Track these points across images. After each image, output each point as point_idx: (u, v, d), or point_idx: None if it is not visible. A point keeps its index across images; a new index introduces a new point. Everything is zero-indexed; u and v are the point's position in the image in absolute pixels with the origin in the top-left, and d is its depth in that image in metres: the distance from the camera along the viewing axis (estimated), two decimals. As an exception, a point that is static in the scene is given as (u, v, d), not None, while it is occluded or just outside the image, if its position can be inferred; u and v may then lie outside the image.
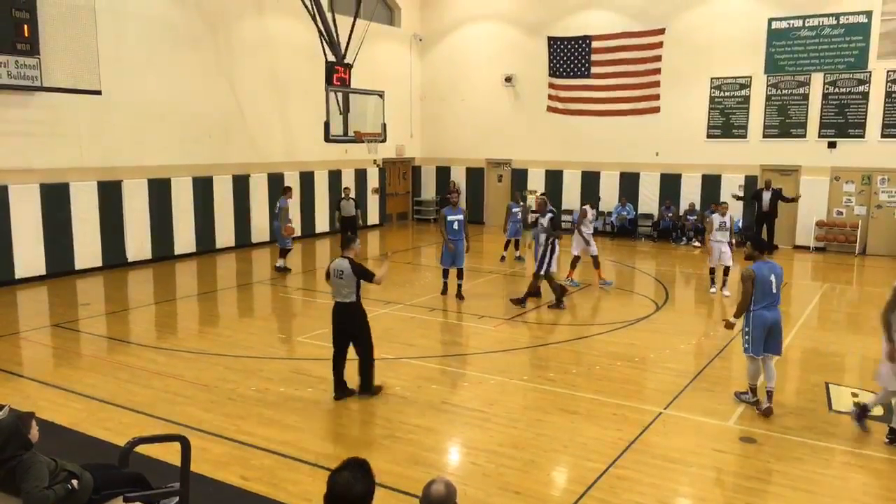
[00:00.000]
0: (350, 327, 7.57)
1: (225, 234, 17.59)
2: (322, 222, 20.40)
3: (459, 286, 12.52)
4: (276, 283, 14.07)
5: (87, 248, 14.69)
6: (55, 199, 14.07)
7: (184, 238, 16.61)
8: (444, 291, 12.72)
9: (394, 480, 5.67)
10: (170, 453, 5.57)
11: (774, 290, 7.22)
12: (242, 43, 17.73)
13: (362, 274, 7.45)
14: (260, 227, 18.40)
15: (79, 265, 14.57)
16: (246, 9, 17.82)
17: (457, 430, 7.04)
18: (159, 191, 15.96)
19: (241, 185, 17.88)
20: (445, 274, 12.75)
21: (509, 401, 7.75)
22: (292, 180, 19.28)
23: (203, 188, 16.94)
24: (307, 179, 19.81)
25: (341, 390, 7.63)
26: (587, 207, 14.15)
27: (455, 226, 12.34)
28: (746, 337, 7.32)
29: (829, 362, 9.40)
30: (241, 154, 17.93)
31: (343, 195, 17.39)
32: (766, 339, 7.27)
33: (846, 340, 10.45)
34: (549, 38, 21.16)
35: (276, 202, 15.50)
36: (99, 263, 14.92)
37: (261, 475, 5.92)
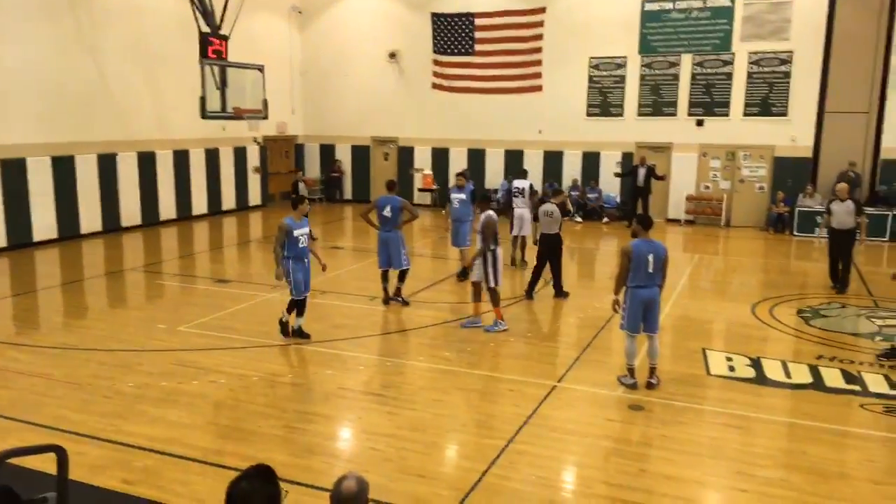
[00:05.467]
0: (553, 250, 10.88)
1: (90, 217, 16.30)
2: (200, 204, 19.37)
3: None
4: (150, 270, 13.22)
5: (-72, 237, 13.19)
6: None
7: (43, 223, 15.20)
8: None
9: (293, 473, 5.43)
10: (41, 460, 5.05)
11: (651, 270, 7.21)
12: (104, 11, 16.34)
13: (565, 212, 11.24)
14: (130, 209, 17.24)
15: (-81, 256, 13.07)
16: (107, -27, 16.45)
17: (355, 416, 6.87)
18: (13, 172, 14.50)
19: (107, 165, 16.61)
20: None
21: (406, 382, 7.66)
22: (165, 159, 18.17)
23: (64, 168, 15.59)
24: (181, 158, 18.70)
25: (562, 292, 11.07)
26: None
27: (456, 203, 11.89)
28: (623, 313, 7.42)
29: (703, 329, 9.96)
30: (107, 131, 16.62)
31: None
32: (644, 317, 7.33)
33: (716, 307, 11.12)
34: (433, 14, 20.99)
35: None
36: (-56, 253, 13.45)
37: (145, 477, 5.51)
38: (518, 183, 13.26)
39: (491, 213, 9.30)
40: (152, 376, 7.64)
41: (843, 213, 11.34)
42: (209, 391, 7.28)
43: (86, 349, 8.56)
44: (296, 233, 8.68)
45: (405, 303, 10.67)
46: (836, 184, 13.76)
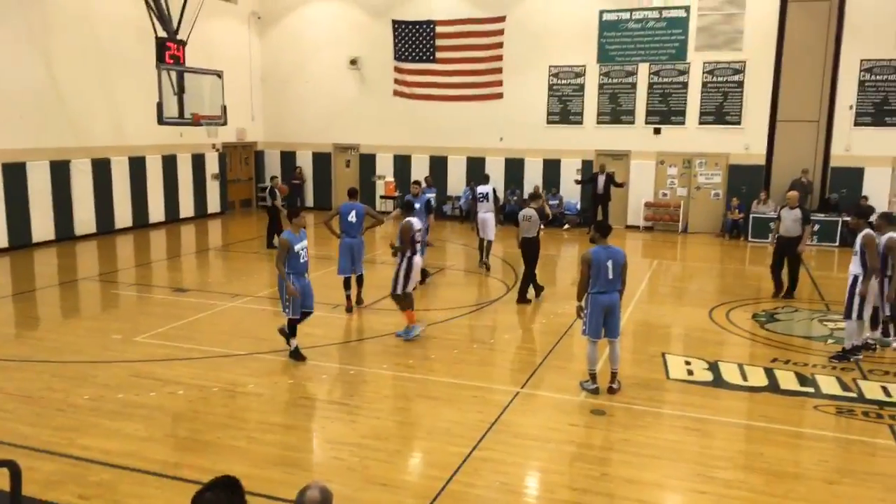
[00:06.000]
0: (532, 253, 11.09)
1: (43, 226, 15.87)
2: (157, 212, 19.01)
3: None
4: (105, 279, 12.91)
5: None
6: None
7: (-7, 232, 14.80)
8: None
9: (255, 485, 5.33)
10: (-11, 479, 4.89)
11: (611, 276, 7.27)
12: (57, 15, 15.96)
13: (543, 216, 11.43)
14: (84, 217, 16.82)
15: None
16: (59, -24, 16.06)
17: (318, 425, 6.81)
18: (-40, 179, 14.08)
19: (60, 173, 16.19)
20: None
21: (369, 391, 7.62)
22: (121, 166, 17.80)
23: (15, 176, 15.14)
24: (138, 165, 18.33)
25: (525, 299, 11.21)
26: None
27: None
28: (585, 319, 7.49)
29: (662, 334, 10.13)
30: (60, 138, 16.21)
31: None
32: (605, 322, 7.40)
33: (675, 312, 11.31)
34: (394, 22, 21.01)
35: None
36: None
37: (101, 492, 5.37)
38: (482, 188, 13.81)
39: (411, 219, 9.38)
40: (108, 388, 7.46)
41: (790, 221, 11.60)
42: (167, 403, 7.13)
43: (38, 361, 8.31)
44: (296, 247, 8.21)
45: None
46: (788, 191, 14.13)
